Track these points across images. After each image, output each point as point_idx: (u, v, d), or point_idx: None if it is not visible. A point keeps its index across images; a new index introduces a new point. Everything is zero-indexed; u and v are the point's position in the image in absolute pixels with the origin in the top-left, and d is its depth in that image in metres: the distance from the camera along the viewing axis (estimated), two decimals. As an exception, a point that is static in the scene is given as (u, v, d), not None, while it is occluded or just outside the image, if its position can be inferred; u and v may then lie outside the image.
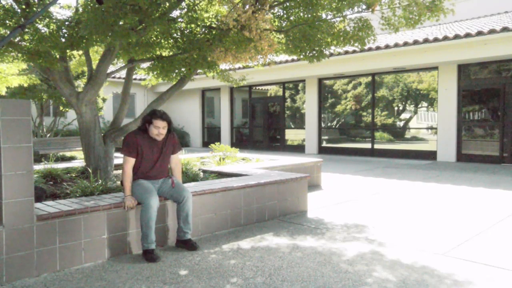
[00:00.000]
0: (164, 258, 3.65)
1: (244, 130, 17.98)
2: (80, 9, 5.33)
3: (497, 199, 6.20)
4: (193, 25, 5.71)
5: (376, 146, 13.44)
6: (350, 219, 5.03)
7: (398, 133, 13.40)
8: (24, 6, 4.64)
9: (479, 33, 9.83)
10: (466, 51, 10.45)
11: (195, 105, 19.10)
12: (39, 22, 4.82)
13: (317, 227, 4.67)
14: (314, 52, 6.03)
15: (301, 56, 6.14)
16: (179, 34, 5.81)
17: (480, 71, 11.40)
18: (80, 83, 11.65)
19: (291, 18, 5.91)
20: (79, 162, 7.39)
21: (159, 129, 3.81)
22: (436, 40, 10.51)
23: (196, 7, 5.61)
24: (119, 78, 16.22)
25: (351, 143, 14.25)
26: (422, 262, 3.51)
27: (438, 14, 5.07)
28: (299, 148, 15.49)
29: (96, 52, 7.15)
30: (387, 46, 11.33)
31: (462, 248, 3.87)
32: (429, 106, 12.68)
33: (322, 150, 14.69)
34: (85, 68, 8.52)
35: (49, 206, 3.52)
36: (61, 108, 12.55)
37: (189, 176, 5.50)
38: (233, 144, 17.09)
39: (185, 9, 5.67)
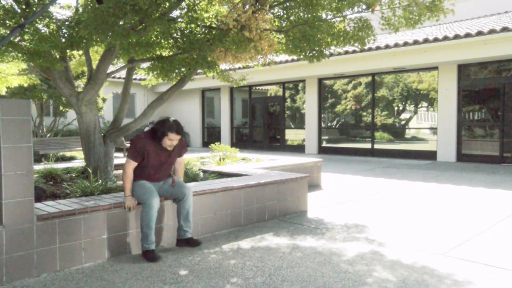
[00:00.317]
0: (164, 258, 3.65)
1: (244, 130, 17.98)
2: (80, 9, 5.34)
3: (497, 199, 6.20)
4: (193, 25, 5.70)
5: (376, 146, 13.44)
6: (350, 219, 5.03)
7: (398, 133, 13.40)
8: (24, 6, 4.64)
9: (479, 33, 9.84)
10: (466, 51, 10.45)
11: (195, 105, 19.10)
12: (39, 22, 4.82)
13: (317, 227, 4.67)
14: (314, 52, 6.03)
15: (301, 56, 6.14)
16: (179, 34, 5.80)
17: (480, 71, 11.40)
18: (80, 83, 11.66)
19: (291, 18, 5.91)
20: (79, 162, 7.39)
21: (172, 141, 3.77)
22: (436, 40, 10.51)
23: (196, 7, 5.61)
24: (119, 78, 16.22)
25: (351, 143, 14.25)
26: (422, 262, 3.51)
27: (438, 14, 5.07)
28: (299, 148, 15.50)
29: (96, 52, 7.15)
30: (387, 46, 11.33)
31: (462, 248, 3.87)
32: (429, 106, 12.68)
33: (322, 150, 14.70)
34: (85, 68, 8.52)
35: (49, 206, 3.52)
36: (61, 108, 12.56)
37: (189, 176, 5.51)
38: (233, 144, 17.10)
39: (185, 9, 5.67)
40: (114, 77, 15.98)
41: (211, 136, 18.94)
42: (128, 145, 13.76)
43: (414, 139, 13.05)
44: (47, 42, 4.61)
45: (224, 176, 5.79)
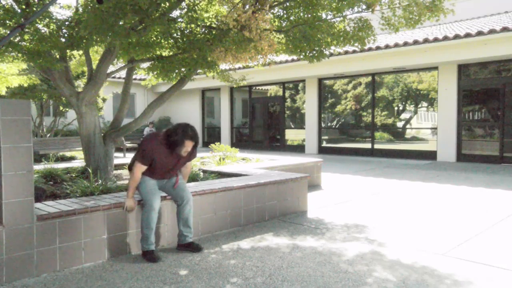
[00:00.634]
0: (164, 258, 3.65)
1: (244, 130, 17.98)
2: (80, 9, 5.34)
3: (497, 199, 6.20)
4: (193, 25, 5.71)
5: (376, 146, 13.44)
6: (350, 219, 5.03)
7: (398, 133, 13.40)
8: (24, 6, 4.64)
9: (479, 33, 9.83)
10: (466, 51, 10.45)
11: (195, 105, 19.11)
12: (39, 22, 4.82)
13: (317, 227, 4.67)
14: (314, 52, 6.03)
15: (301, 56, 6.14)
16: (179, 34, 5.81)
17: (480, 71, 11.40)
18: (80, 83, 11.66)
19: (291, 18, 5.92)
20: (79, 162, 7.39)
21: (187, 148, 3.67)
22: (436, 40, 10.51)
23: (196, 7, 5.61)
24: (119, 78, 16.22)
25: (351, 143, 14.25)
26: (422, 262, 3.51)
27: (438, 14, 5.07)
28: (299, 148, 15.50)
29: (96, 52, 7.16)
30: (387, 46, 11.33)
31: (462, 248, 3.87)
32: (429, 106, 12.68)
33: (322, 150, 14.69)
34: (85, 68, 8.52)
35: (49, 206, 3.52)
36: (61, 108, 12.56)
37: (189, 176, 5.50)
38: (233, 144, 17.10)
39: (185, 9, 5.68)
40: (114, 77, 15.97)
41: (211, 136, 18.94)
42: (128, 145, 13.78)
43: (414, 139, 13.05)
44: (47, 42, 4.62)
45: (224, 176, 5.80)
